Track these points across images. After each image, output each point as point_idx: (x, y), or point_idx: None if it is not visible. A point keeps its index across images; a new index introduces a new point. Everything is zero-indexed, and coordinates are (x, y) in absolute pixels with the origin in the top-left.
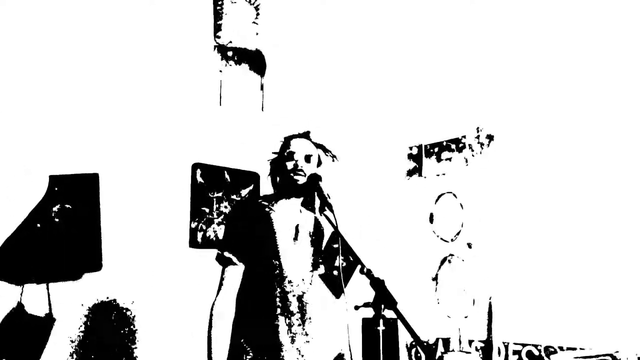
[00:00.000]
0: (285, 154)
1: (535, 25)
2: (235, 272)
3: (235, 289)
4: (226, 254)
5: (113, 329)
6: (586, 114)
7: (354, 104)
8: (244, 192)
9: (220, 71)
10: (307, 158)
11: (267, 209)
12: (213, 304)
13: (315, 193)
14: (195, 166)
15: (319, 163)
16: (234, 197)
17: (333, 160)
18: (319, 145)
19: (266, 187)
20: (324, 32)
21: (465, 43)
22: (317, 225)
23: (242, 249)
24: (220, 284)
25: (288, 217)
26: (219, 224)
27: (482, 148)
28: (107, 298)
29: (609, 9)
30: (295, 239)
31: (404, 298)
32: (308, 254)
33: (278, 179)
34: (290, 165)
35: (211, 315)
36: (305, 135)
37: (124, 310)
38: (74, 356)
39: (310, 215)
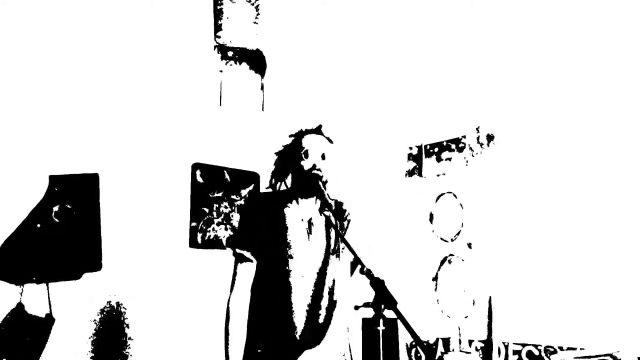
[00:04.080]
0: (302, 153)
1: (535, 25)
2: (249, 268)
3: (248, 285)
4: (238, 250)
5: (111, 329)
6: (586, 114)
7: (354, 104)
8: (244, 192)
9: (220, 71)
10: (323, 156)
11: (279, 205)
12: (229, 299)
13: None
14: (195, 166)
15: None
16: (234, 197)
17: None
18: (328, 140)
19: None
20: (324, 32)
21: (465, 43)
22: (337, 212)
23: (255, 244)
24: (233, 280)
25: (302, 212)
26: (219, 224)
27: (482, 148)
28: (106, 301)
29: (609, 9)
30: (310, 233)
31: (404, 298)
32: (322, 249)
33: (281, 181)
34: (307, 164)
35: (228, 310)
36: (318, 130)
37: (122, 311)
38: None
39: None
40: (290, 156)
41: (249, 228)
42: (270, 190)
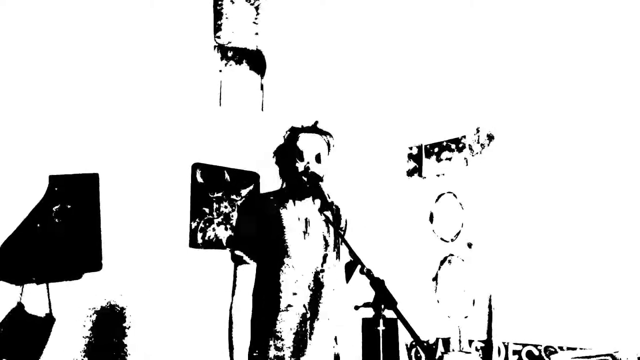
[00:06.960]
0: (297, 155)
1: (535, 25)
2: (248, 271)
3: (249, 289)
4: (237, 252)
5: (111, 329)
6: (585, 114)
7: (354, 104)
8: (244, 192)
9: (220, 71)
10: (317, 158)
11: (276, 205)
12: (231, 304)
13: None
14: (195, 166)
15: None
16: (234, 197)
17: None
18: (325, 133)
19: (266, 188)
20: (324, 32)
21: (465, 43)
22: (334, 215)
23: (253, 246)
24: (234, 284)
25: (298, 212)
26: (219, 224)
27: (482, 148)
28: (106, 300)
29: (609, 9)
30: (306, 232)
31: (404, 298)
32: (320, 248)
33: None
34: (300, 167)
35: (230, 315)
36: (314, 128)
37: (122, 311)
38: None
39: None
40: (284, 155)
41: (246, 230)
42: (270, 190)
